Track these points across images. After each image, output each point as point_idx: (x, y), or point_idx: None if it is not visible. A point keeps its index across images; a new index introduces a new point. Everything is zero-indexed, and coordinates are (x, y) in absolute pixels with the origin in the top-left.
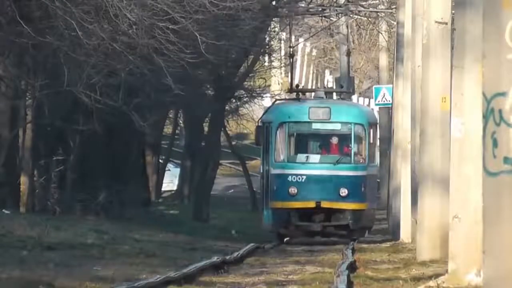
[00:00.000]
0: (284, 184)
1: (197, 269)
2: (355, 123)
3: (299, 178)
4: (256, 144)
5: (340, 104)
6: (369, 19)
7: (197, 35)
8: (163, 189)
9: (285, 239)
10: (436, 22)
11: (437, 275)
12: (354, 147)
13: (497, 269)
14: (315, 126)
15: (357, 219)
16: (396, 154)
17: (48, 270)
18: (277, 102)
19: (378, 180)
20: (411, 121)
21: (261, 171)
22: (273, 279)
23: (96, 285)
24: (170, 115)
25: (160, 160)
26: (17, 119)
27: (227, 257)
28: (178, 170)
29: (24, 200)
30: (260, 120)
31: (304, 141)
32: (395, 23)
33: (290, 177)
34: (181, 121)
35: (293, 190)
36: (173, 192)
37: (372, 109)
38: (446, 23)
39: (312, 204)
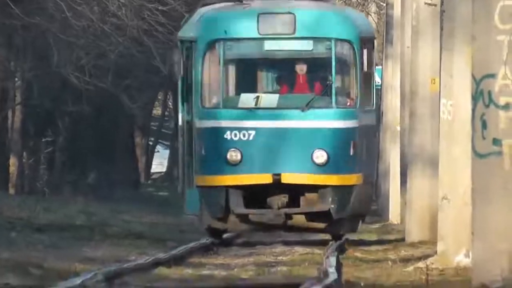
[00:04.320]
0: (218, 145)
1: (186, 250)
2: (338, 40)
3: (243, 135)
4: (169, 75)
5: (311, 9)
6: (359, 0)
7: (186, 16)
8: (152, 170)
9: (223, 235)
10: (425, 3)
11: (426, 256)
12: (336, 81)
13: (485, 250)
14: (270, 45)
15: (344, 202)
16: (385, 136)
17: (37, 252)
18: (205, 8)
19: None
20: (401, 103)
21: (180, 123)
22: (262, 260)
23: (85, 266)
24: (160, 97)
25: (150, 142)
26: (6, 100)
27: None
28: (167, 152)
29: (13, 181)
30: (177, 38)
31: (251, 72)
32: (384, 4)
33: (228, 133)
34: (170, 103)
35: (234, 155)
36: (162, 173)
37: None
38: (436, 5)
39: (266, 179)
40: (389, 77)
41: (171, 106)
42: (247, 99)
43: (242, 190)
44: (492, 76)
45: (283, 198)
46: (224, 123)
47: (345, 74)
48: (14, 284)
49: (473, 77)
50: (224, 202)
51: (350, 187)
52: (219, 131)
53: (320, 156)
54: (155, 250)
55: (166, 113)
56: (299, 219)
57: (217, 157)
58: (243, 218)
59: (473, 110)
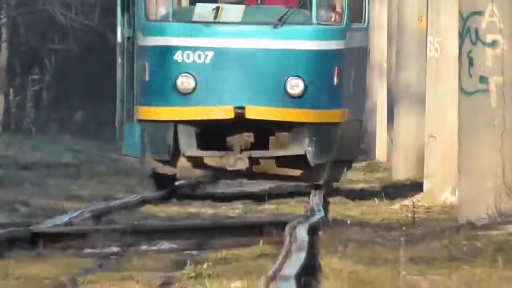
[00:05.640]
0: (166, 68)
1: (174, 187)
2: None
3: (198, 57)
4: None
5: None
6: None
7: None
8: None
9: (173, 184)
10: None
11: (412, 194)
12: None
13: (472, 188)
14: None
15: (325, 144)
16: (372, 73)
17: (24, 190)
18: None
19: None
20: (388, 40)
21: (119, 40)
22: (248, 198)
23: (72, 204)
24: None
25: None
26: None
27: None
28: None
29: (0, 119)
30: None
31: None
32: None
33: (179, 53)
34: None
35: (185, 82)
36: None
37: None
38: None
39: (227, 113)
40: (376, 14)
41: None
42: (204, 10)
43: (195, 126)
44: (479, 13)
45: (248, 138)
46: (174, 41)
47: None
48: (1, 222)
49: (460, 14)
50: (173, 141)
51: (332, 126)
52: (168, 50)
53: (295, 86)
54: (143, 188)
55: None
56: (268, 165)
57: (165, 84)
58: (196, 162)
59: (460, 48)
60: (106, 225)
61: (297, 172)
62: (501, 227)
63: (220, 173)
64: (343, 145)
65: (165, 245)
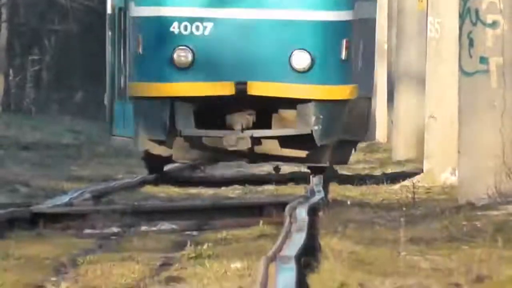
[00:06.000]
0: (161, 41)
1: (174, 169)
2: None
3: (196, 28)
4: None
5: None
6: None
7: None
8: None
9: (166, 167)
10: None
11: (412, 175)
12: None
13: (472, 168)
14: None
15: (332, 122)
16: None
17: (24, 170)
18: None
19: None
20: (388, 21)
21: (109, 11)
22: (249, 179)
23: (73, 184)
24: None
25: None
26: None
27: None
28: None
29: (0, 99)
30: None
31: None
32: None
33: (175, 24)
34: None
35: (182, 55)
36: None
37: None
38: None
39: (227, 89)
40: None
41: None
42: None
43: (193, 103)
44: None
45: (249, 116)
46: (170, 11)
47: None
48: (1, 202)
49: None
50: (168, 120)
51: (340, 103)
52: (163, 21)
53: (301, 59)
54: (142, 169)
55: None
56: (271, 145)
57: (160, 58)
58: (194, 142)
59: (460, 28)
60: (106, 205)
61: (302, 153)
62: (501, 207)
63: (219, 155)
64: (351, 124)
65: (165, 225)
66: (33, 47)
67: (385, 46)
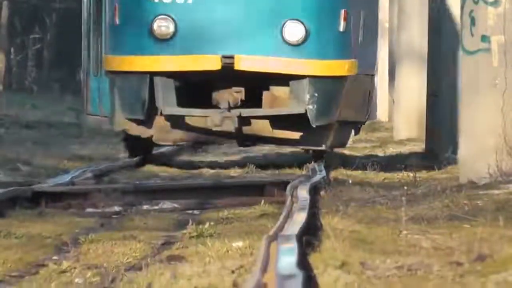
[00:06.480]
0: (140, 10)
1: (175, 149)
2: None
3: None
4: None
5: None
6: None
7: None
8: None
9: (149, 150)
10: None
11: (414, 154)
12: None
13: (473, 147)
14: None
15: (329, 101)
16: None
17: (26, 148)
18: None
19: None
20: (389, 0)
21: None
22: (251, 158)
23: (74, 163)
24: None
25: None
26: None
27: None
28: None
29: (1, 78)
30: None
31: None
32: None
33: None
34: None
35: (163, 26)
36: None
37: None
38: None
39: (212, 63)
40: None
41: None
42: None
43: (175, 79)
44: None
45: (237, 94)
46: None
47: None
48: (3, 181)
49: None
50: (148, 97)
51: (338, 80)
52: None
53: (295, 31)
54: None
55: None
56: (261, 126)
57: (139, 28)
58: (176, 122)
59: (462, 7)
60: (108, 184)
61: (295, 135)
62: (502, 186)
63: (204, 136)
64: (351, 103)
65: (166, 204)
66: (34, 25)
67: (386, 25)
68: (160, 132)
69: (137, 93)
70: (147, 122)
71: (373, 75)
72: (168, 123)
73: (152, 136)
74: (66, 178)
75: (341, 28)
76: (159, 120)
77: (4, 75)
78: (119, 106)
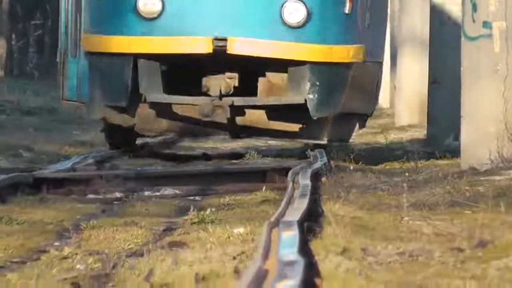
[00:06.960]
0: None
1: (176, 135)
2: None
3: None
4: None
5: None
6: None
7: None
8: None
9: (133, 142)
10: None
11: (415, 140)
12: None
13: (475, 133)
14: None
15: (332, 90)
16: None
17: (27, 134)
18: None
19: None
20: None
21: None
22: (252, 144)
23: (76, 149)
24: None
25: None
26: None
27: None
28: None
29: (2, 63)
30: None
31: None
32: None
33: None
34: None
35: (149, 3)
36: None
37: None
38: None
39: (203, 46)
40: None
41: None
42: None
43: (162, 62)
44: None
45: (230, 80)
46: None
47: None
48: (5, 167)
49: None
50: (131, 82)
51: (342, 67)
52: None
53: (295, 12)
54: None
55: None
56: (256, 117)
57: (122, 6)
58: (162, 110)
59: None
60: (109, 170)
61: (294, 127)
62: (504, 172)
63: (193, 127)
64: (356, 93)
65: (168, 190)
66: (35, 11)
67: (388, 10)
68: (144, 122)
69: (119, 77)
70: (130, 110)
71: (381, 63)
72: (153, 112)
73: (134, 126)
74: (68, 164)
75: (347, 10)
76: (143, 108)
77: (5, 61)
78: (98, 92)
